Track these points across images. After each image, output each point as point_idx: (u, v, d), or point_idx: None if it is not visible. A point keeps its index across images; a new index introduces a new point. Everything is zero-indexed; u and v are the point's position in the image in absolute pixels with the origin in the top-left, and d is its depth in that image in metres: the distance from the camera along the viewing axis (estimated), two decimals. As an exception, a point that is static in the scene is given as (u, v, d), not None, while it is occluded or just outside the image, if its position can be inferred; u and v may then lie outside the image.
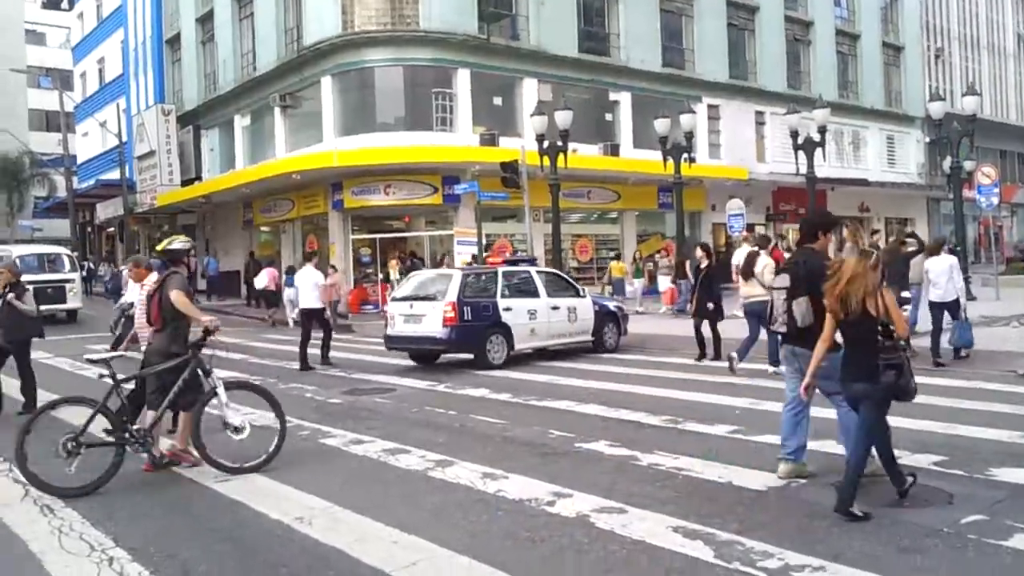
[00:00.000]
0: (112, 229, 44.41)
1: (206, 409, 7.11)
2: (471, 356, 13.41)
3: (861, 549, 4.75)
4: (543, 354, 14.33)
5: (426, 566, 4.73)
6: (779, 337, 6.50)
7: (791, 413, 6.29)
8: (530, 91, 26.70)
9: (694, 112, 24.05)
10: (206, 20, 33.62)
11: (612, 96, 29.38)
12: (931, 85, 40.69)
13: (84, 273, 35.13)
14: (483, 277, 14.05)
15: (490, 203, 22.68)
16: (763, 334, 11.42)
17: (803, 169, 23.11)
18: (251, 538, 5.35)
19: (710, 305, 12.90)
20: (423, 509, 5.82)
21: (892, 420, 8.07)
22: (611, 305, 16.12)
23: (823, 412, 8.60)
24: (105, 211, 41.66)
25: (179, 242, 7.58)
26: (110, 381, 6.77)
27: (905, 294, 12.71)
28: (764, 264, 11.73)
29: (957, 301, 11.78)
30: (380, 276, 25.37)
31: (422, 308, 13.44)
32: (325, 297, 15.03)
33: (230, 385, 7.33)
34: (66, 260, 24.77)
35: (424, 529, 5.29)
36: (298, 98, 27.60)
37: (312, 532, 5.34)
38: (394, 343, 14.08)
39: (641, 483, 6.28)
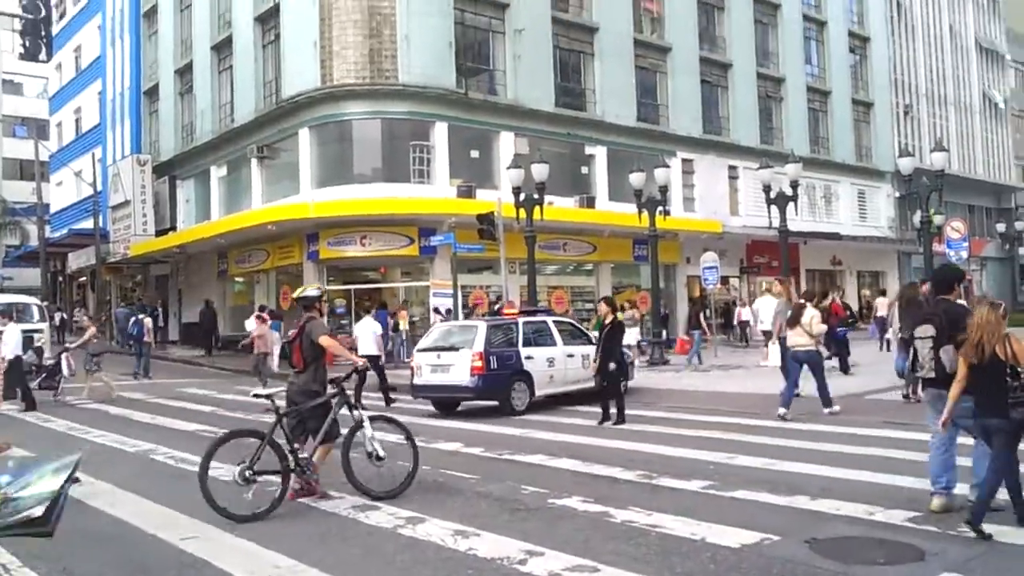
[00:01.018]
0: (84, 279, 44.01)
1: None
2: (495, 403, 13.83)
3: (834, 609, 4.69)
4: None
5: (393, 628, 4.62)
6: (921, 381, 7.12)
7: (939, 452, 6.69)
8: (507, 144, 26.95)
9: (668, 166, 24.36)
10: (185, 72, 33.81)
11: (588, 150, 29.71)
12: (900, 141, 41.53)
13: (57, 322, 34.84)
14: (505, 327, 14.59)
15: (466, 255, 22.73)
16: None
17: (776, 223, 23.35)
18: (214, 599, 5.21)
19: (612, 365, 12.47)
20: (392, 568, 5.70)
21: (867, 474, 8.09)
22: None
23: (797, 467, 8.59)
24: (77, 260, 41.33)
25: (311, 290, 8.34)
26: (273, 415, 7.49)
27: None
28: (811, 315, 12.44)
29: None
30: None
31: (449, 358, 13.90)
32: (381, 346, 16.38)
33: (373, 419, 8.04)
34: (35, 310, 24.55)
35: (392, 589, 5.17)
36: (275, 149, 27.69)
37: (277, 593, 5.21)
38: (421, 392, 14.61)
39: (615, 540, 6.20)
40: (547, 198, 21.35)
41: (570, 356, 14.91)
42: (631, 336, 23.15)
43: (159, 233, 33.67)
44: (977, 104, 50.25)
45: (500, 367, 13.72)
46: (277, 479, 7.28)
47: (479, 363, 13.49)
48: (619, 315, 13.81)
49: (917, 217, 23.63)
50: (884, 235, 39.87)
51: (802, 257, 34.80)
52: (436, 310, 22.85)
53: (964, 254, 24.59)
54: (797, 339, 12.37)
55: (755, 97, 35.38)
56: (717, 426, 11.65)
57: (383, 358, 16.65)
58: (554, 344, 14.81)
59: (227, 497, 6.92)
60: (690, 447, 10.07)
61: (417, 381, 14.46)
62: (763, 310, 20.03)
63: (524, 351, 14.18)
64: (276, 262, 27.82)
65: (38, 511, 1.66)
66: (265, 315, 19.21)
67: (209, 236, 28.15)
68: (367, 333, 16.28)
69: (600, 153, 29.84)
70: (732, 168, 33.88)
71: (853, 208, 39.47)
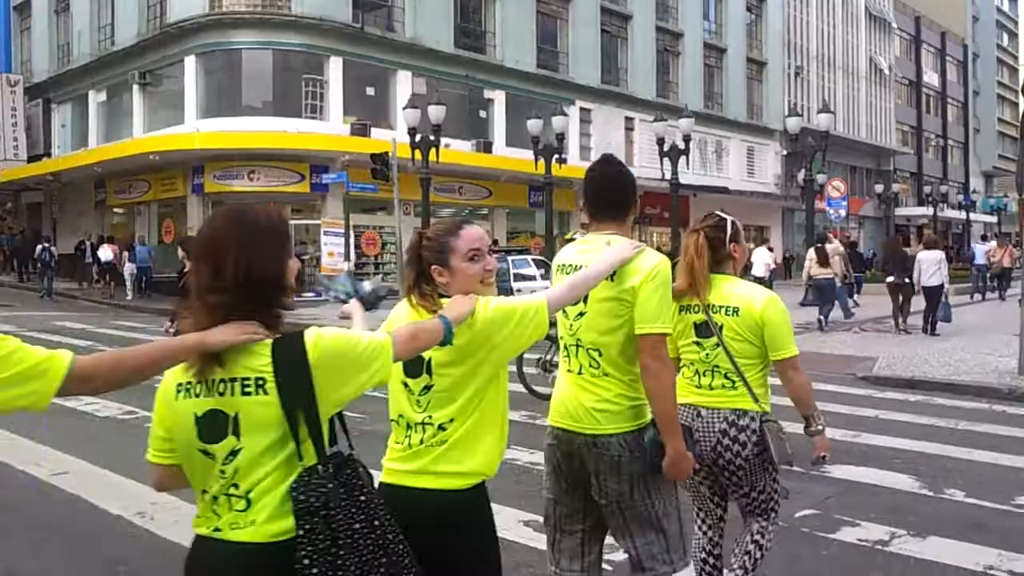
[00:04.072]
0: (-53, 205, 41.31)
1: None
2: None
3: (702, 542, 4.88)
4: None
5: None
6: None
7: None
8: (404, 83, 26.46)
9: (566, 114, 24.44)
10: (62, -12, 31.75)
11: (487, 94, 29.48)
12: (790, 101, 42.70)
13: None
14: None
15: (359, 194, 22.40)
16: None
17: (668, 175, 23.83)
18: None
19: None
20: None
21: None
22: None
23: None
24: (-61, 185, 38.70)
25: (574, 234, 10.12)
26: None
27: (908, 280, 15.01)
28: (834, 250, 16.52)
29: (942, 286, 14.43)
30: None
31: None
32: None
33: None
34: None
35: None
36: (159, 76, 26.43)
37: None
38: None
39: (497, 478, 6.25)
40: (444, 140, 21.16)
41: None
42: None
43: (32, 159, 31.81)
44: (864, 69, 52.08)
45: None
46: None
47: None
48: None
49: (801, 175, 24.47)
50: (770, 191, 41.22)
51: (692, 209, 35.42)
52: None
53: (843, 212, 25.68)
54: (821, 270, 16.01)
55: (653, 50, 35.73)
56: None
57: None
58: (535, 279, 16.80)
59: (536, 382, 9.45)
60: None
61: None
62: (756, 261, 22.05)
63: (515, 285, 16.02)
64: (158, 194, 26.72)
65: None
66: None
67: (86, 164, 26.76)
68: None
69: (499, 98, 29.65)
70: (629, 119, 34.26)
71: (742, 164, 40.61)
